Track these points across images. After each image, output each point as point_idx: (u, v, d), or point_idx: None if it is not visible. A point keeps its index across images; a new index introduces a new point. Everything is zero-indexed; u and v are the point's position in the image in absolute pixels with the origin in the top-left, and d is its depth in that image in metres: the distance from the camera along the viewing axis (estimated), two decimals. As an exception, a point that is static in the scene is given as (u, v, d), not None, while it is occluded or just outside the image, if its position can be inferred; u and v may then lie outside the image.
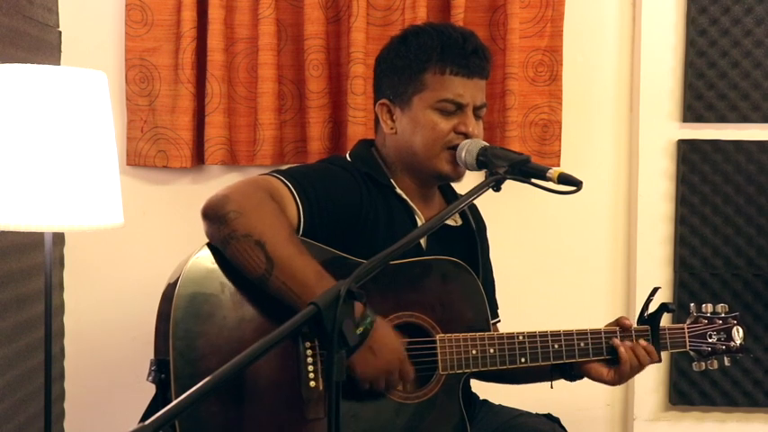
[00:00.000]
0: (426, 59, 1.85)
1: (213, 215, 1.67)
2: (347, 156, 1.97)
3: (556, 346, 1.84)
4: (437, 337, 1.78)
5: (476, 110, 1.88)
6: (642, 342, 1.87)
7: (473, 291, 1.86)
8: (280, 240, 1.63)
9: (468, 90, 1.86)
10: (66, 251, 2.67)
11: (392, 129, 1.90)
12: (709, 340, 1.97)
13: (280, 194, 1.73)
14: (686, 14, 2.67)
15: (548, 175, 1.61)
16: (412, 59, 1.87)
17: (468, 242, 2.00)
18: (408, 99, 1.87)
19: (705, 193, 2.68)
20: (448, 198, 2.02)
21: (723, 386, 2.69)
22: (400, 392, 1.76)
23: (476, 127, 1.87)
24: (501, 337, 1.82)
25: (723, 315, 1.99)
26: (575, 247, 2.75)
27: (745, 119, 2.68)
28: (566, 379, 1.93)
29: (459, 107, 1.85)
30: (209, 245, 1.69)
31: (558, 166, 2.65)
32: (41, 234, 2.10)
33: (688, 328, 1.96)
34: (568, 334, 1.85)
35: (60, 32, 2.64)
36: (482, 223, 2.11)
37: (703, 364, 1.97)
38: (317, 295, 1.38)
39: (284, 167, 1.87)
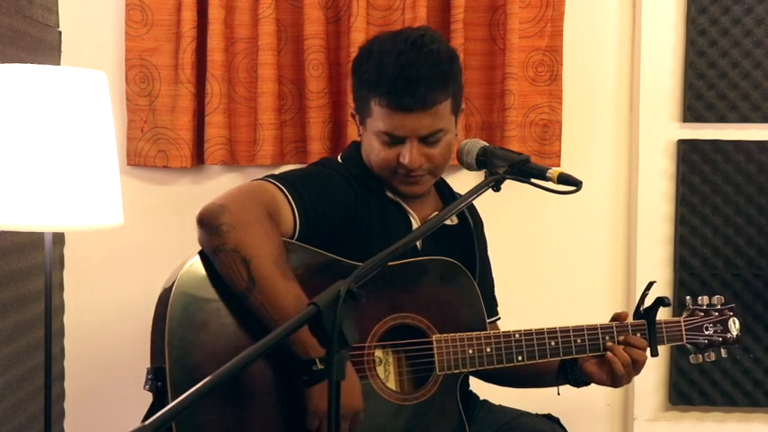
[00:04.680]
0: (369, 88, 1.80)
1: (207, 224, 1.66)
2: (339, 158, 1.97)
3: (552, 344, 1.84)
4: (433, 337, 1.78)
5: (426, 137, 1.81)
6: (632, 337, 1.87)
7: (468, 290, 1.86)
8: (265, 262, 1.63)
9: (408, 123, 1.78)
10: (66, 251, 2.67)
11: (360, 136, 1.91)
12: (706, 332, 1.96)
13: (276, 202, 1.73)
14: (686, 14, 2.67)
15: (547, 175, 1.61)
16: (362, 84, 1.83)
17: (465, 241, 1.99)
18: (363, 119, 1.86)
19: (705, 193, 2.68)
20: (443, 194, 2.01)
21: (723, 386, 2.69)
22: (398, 394, 1.76)
23: (419, 156, 1.80)
24: (497, 335, 1.82)
25: (719, 307, 1.99)
26: (575, 247, 2.75)
27: (745, 119, 2.68)
28: (571, 385, 1.93)
29: (399, 139, 1.81)
30: (201, 252, 1.69)
31: (558, 166, 2.65)
32: (41, 234, 2.10)
33: (684, 322, 1.96)
34: (565, 331, 1.85)
35: (60, 32, 2.64)
36: (479, 220, 2.10)
37: (700, 356, 1.97)
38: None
39: (278, 171, 1.87)
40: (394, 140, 1.80)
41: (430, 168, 1.84)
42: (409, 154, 1.79)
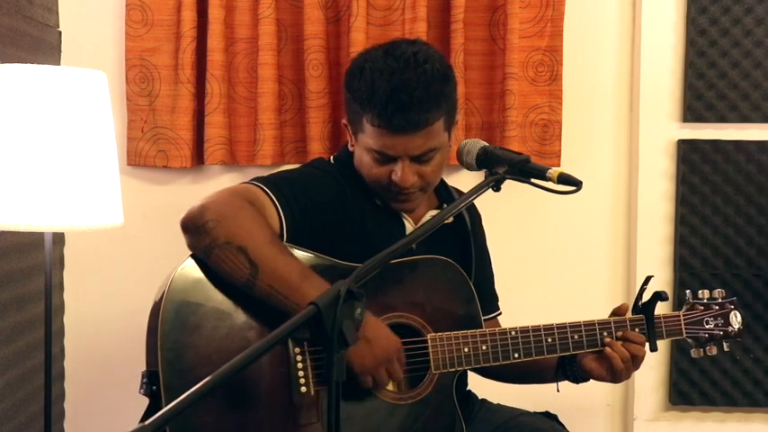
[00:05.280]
0: (361, 106, 1.79)
1: (192, 226, 1.67)
2: (331, 158, 1.97)
3: (549, 340, 1.83)
4: (428, 336, 1.78)
5: (419, 156, 1.80)
6: (630, 333, 1.86)
7: (463, 288, 1.86)
8: (261, 243, 1.63)
9: (399, 143, 1.76)
10: (66, 251, 2.67)
11: (353, 147, 1.89)
12: (707, 326, 1.94)
13: (260, 202, 1.73)
14: (686, 14, 2.67)
15: (547, 175, 1.61)
16: (354, 99, 1.81)
17: (462, 238, 1.99)
18: (355, 133, 1.85)
19: (705, 193, 2.68)
20: (440, 193, 2.01)
21: (723, 386, 2.69)
22: (393, 393, 1.76)
23: (411, 175, 1.79)
24: (493, 333, 1.81)
25: (720, 300, 1.97)
26: (575, 248, 2.75)
27: (745, 119, 2.68)
28: (570, 381, 1.93)
29: (391, 158, 1.80)
30: (193, 255, 1.69)
31: (558, 166, 2.65)
32: (41, 234, 2.11)
33: (684, 316, 1.94)
34: (561, 327, 1.84)
35: (60, 32, 2.64)
36: (477, 216, 2.10)
37: (701, 350, 1.94)
38: (304, 294, 1.34)
39: (266, 174, 1.86)
40: (385, 159, 1.79)
41: (422, 185, 1.84)
42: (401, 172, 1.78)
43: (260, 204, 1.73)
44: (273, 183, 1.78)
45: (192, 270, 1.67)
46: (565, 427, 1.95)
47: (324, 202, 1.81)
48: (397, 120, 1.73)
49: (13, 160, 1.85)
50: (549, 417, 1.95)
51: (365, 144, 1.81)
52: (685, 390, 2.69)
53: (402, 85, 1.73)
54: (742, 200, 2.68)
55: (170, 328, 1.62)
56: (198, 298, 1.65)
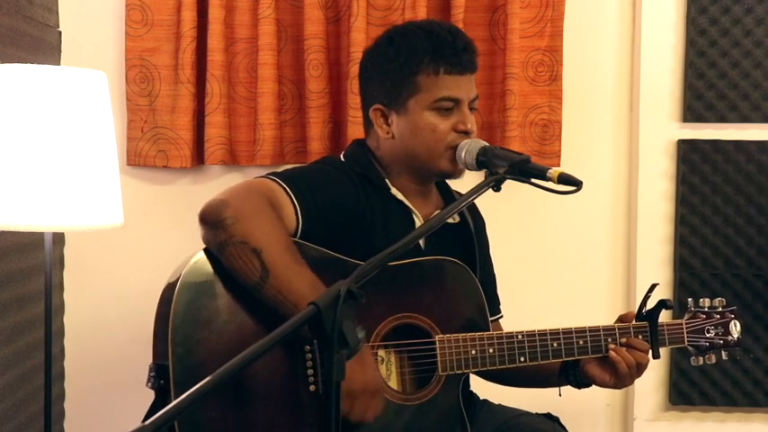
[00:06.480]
0: (418, 62, 1.82)
1: (211, 220, 1.66)
2: (341, 156, 1.97)
3: (555, 345, 1.84)
4: (436, 337, 1.78)
5: (470, 103, 1.88)
6: (634, 340, 1.87)
7: (471, 290, 1.86)
8: (276, 249, 1.63)
9: (464, 85, 1.85)
10: (66, 251, 2.67)
11: (388, 133, 1.88)
12: (707, 335, 1.96)
13: (277, 198, 1.73)
14: (686, 14, 2.67)
15: (548, 174, 1.61)
16: (402, 62, 1.83)
17: (466, 239, 2.00)
18: (403, 103, 1.85)
19: (705, 193, 2.68)
20: (444, 193, 2.01)
21: (723, 386, 2.69)
22: (400, 394, 1.76)
23: (473, 122, 1.87)
24: (500, 336, 1.82)
25: (720, 309, 1.99)
26: (575, 248, 2.75)
27: (745, 119, 2.68)
28: (573, 386, 1.93)
29: (456, 104, 1.85)
30: (205, 250, 1.69)
31: (558, 166, 2.64)
32: (41, 234, 2.10)
33: (686, 324, 1.95)
34: (567, 332, 1.85)
35: (60, 32, 2.64)
36: (480, 220, 2.11)
37: (701, 358, 1.96)
38: None
39: (281, 169, 1.86)
40: (451, 106, 1.84)
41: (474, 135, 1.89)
42: (468, 117, 1.85)
43: (277, 201, 1.73)
44: (290, 178, 1.78)
45: (204, 263, 1.66)
46: (566, 430, 1.95)
47: (337, 199, 1.81)
48: (465, 58, 1.85)
49: (13, 160, 1.85)
50: (551, 419, 1.95)
51: (424, 103, 1.83)
52: (685, 390, 2.69)
53: (455, 29, 1.88)
54: (742, 200, 2.68)
55: (181, 322, 1.61)
56: (210, 292, 1.64)
